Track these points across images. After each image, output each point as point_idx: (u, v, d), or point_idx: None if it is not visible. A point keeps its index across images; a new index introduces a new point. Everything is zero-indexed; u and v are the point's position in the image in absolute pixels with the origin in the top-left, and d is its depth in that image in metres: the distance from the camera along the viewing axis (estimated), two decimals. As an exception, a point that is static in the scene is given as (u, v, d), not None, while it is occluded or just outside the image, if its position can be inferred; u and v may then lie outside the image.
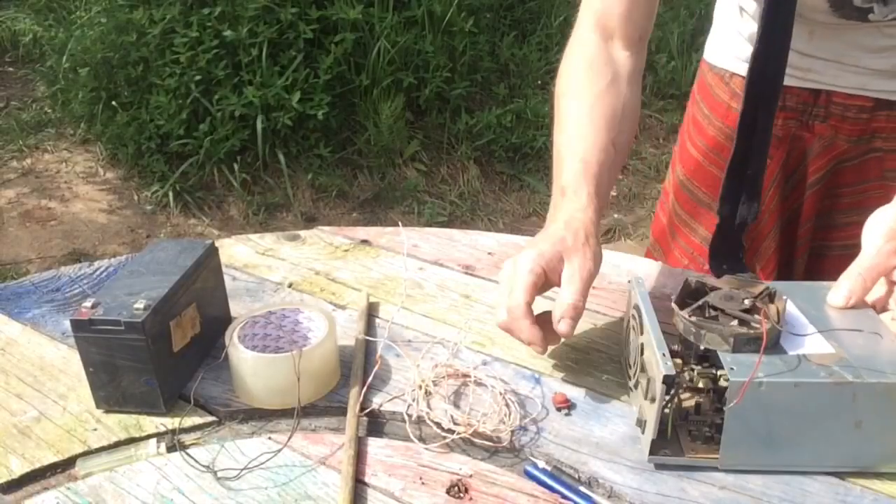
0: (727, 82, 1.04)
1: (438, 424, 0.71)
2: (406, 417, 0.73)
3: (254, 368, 0.74)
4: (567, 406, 0.74)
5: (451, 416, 0.72)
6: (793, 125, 0.98)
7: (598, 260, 0.76)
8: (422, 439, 0.71)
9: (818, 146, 0.97)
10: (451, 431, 0.70)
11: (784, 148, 0.99)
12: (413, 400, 0.75)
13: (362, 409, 0.74)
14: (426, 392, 0.76)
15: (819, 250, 1.02)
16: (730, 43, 1.04)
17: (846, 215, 0.98)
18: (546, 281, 0.75)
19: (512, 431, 0.71)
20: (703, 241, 1.09)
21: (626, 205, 3.18)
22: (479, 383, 0.77)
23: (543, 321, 0.74)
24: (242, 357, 0.74)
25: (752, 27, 0.97)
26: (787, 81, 0.95)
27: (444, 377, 0.78)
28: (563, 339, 0.78)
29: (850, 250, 0.98)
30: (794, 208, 1.02)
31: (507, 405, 0.74)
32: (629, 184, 3.28)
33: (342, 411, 0.75)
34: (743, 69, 1.01)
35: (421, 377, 0.77)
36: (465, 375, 0.78)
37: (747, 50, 0.99)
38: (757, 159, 0.88)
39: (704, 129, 1.08)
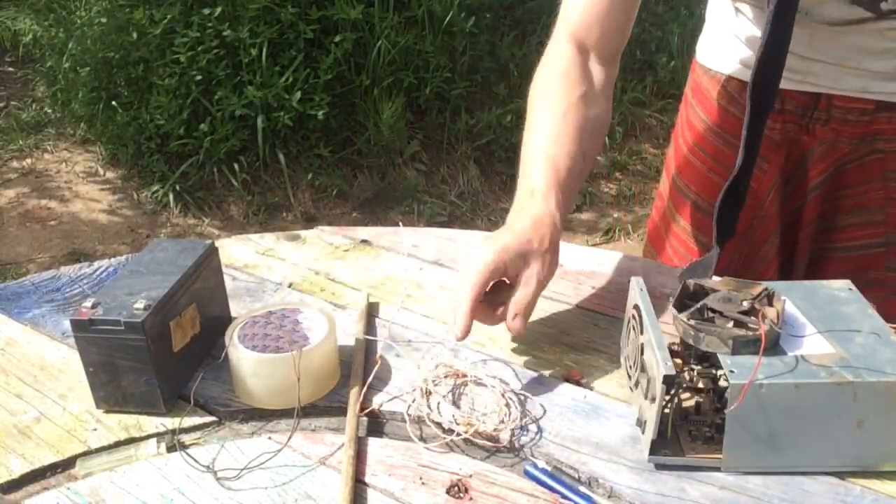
0: (724, 85, 1.03)
1: (439, 425, 0.71)
2: (406, 417, 0.73)
3: (254, 368, 0.74)
4: (580, 380, 0.77)
5: (452, 416, 0.72)
6: (791, 129, 0.97)
7: (554, 268, 0.79)
8: (422, 439, 0.71)
9: (819, 150, 0.96)
10: (451, 431, 0.70)
11: (782, 152, 0.99)
12: (413, 400, 0.75)
13: (362, 409, 0.74)
14: (426, 392, 0.76)
15: (821, 253, 1.01)
16: (725, 45, 1.02)
17: (848, 217, 0.98)
18: (503, 275, 0.77)
19: (512, 431, 0.71)
20: (699, 246, 1.08)
21: (625, 205, 3.18)
22: (478, 383, 0.77)
23: (495, 305, 0.78)
24: (242, 357, 0.74)
25: (750, 29, 0.96)
26: (786, 85, 0.95)
27: (443, 377, 0.78)
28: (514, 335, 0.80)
29: (853, 252, 0.98)
30: (794, 212, 1.01)
31: (507, 405, 0.74)
32: (629, 184, 3.28)
33: (342, 411, 0.75)
34: (740, 72, 1.00)
35: (422, 377, 0.77)
36: (465, 375, 0.78)
37: (743, 52, 0.99)
38: (750, 167, 0.86)
39: (701, 133, 1.07)
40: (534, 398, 0.75)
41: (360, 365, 0.79)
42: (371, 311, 0.89)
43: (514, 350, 0.82)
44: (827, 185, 0.98)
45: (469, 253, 0.80)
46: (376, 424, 0.74)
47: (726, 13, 1.01)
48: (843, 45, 0.89)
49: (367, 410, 0.74)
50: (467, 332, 0.74)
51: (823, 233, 1.00)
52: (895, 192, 0.95)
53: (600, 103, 0.90)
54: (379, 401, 0.75)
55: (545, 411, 0.74)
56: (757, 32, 0.96)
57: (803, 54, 0.92)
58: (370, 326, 0.87)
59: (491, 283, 0.77)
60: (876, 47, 0.88)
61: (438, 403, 0.75)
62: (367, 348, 0.82)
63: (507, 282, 0.78)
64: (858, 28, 0.87)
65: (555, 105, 0.87)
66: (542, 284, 0.77)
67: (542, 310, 0.89)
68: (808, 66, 0.93)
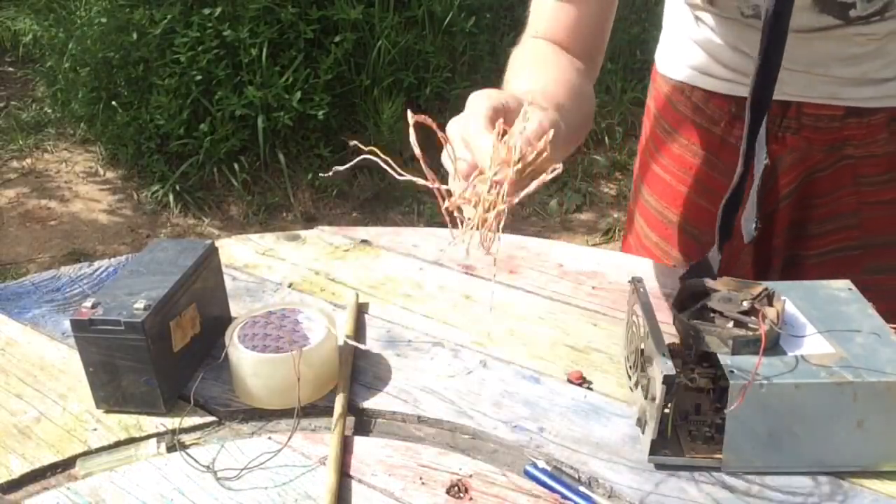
0: (688, 96, 1.00)
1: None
2: (405, 417, 0.73)
3: (254, 368, 0.74)
4: (581, 382, 0.76)
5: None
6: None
7: (558, 129, 0.61)
8: (422, 439, 0.71)
9: (790, 158, 0.95)
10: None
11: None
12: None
13: (349, 409, 0.74)
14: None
15: (795, 259, 1.00)
16: (686, 54, 0.99)
17: (821, 225, 0.97)
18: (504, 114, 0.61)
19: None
20: (676, 264, 1.06)
21: (625, 205, 3.17)
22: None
23: None
24: (242, 357, 0.74)
25: (712, 38, 0.94)
26: None
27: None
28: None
29: (828, 256, 0.97)
30: (766, 219, 1.00)
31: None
32: (629, 184, 3.28)
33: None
34: (703, 82, 0.97)
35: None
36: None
37: (705, 61, 0.96)
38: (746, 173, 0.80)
39: (669, 147, 1.04)
40: (533, 398, 0.75)
41: (347, 365, 0.79)
42: (361, 311, 0.89)
43: (514, 350, 0.82)
44: (797, 193, 0.96)
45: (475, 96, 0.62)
46: (376, 424, 0.74)
47: (685, 21, 0.98)
48: (812, 52, 0.88)
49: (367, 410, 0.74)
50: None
51: (797, 240, 0.99)
52: (868, 196, 0.94)
53: (587, 84, 0.82)
54: (379, 400, 0.75)
55: (545, 411, 0.74)
56: (718, 41, 0.93)
57: None
58: (359, 325, 0.87)
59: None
60: (844, 53, 0.87)
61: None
62: (357, 350, 0.82)
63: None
64: (827, 35, 0.86)
65: (537, 64, 0.79)
66: (543, 129, 0.60)
67: (543, 309, 0.89)
68: (779, 75, 0.91)
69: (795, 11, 0.85)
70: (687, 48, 1.00)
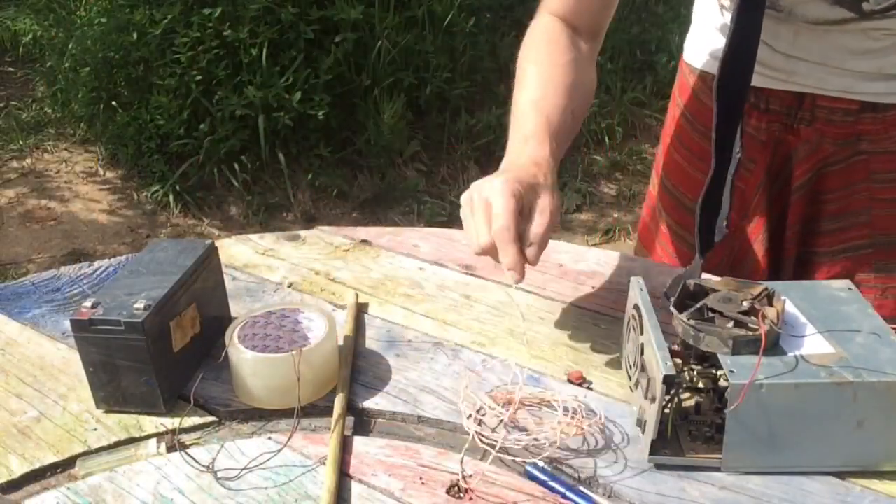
0: (709, 84, 1.01)
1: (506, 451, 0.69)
2: (405, 417, 0.73)
3: (254, 368, 0.74)
4: (581, 382, 0.76)
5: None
6: (776, 129, 0.97)
7: (560, 205, 0.77)
8: (422, 439, 0.71)
9: (803, 150, 0.96)
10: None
11: (769, 152, 0.98)
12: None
13: (349, 409, 0.74)
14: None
15: (806, 256, 1.00)
16: (709, 42, 1.02)
17: (832, 221, 0.97)
18: (521, 206, 0.74)
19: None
20: (686, 245, 1.08)
21: (625, 205, 3.17)
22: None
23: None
24: (242, 357, 0.74)
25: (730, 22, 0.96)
26: (772, 84, 0.94)
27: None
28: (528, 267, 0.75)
29: (839, 255, 0.97)
30: (780, 213, 1.01)
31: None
32: (629, 184, 3.28)
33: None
34: None
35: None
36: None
37: (722, 46, 0.98)
38: (723, 172, 0.83)
39: (688, 133, 1.07)
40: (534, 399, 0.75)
41: (346, 365, 0.79)
42: (361, 311, 0.89)
43: (514, 350, 0.82)
44: (810, 185, 0.97)
45: (481, 187, 0.74)
46: (376, 424, 0.74)
47: (712, 10, 1.00)
48: (828, 45, 0.89)
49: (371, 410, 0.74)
50: (523, 268, 0.71)
51: (809, 236, 1.00)
52: (879, 193, 0.94)
53: (587, 70, 0.91)
54: (379, 400, 0.75)
55: (545, 411, 0.74)
56: None
57: (788, 53, 0.92)
58: (359, 325, 0.87)
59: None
60: (859, 47, 0.88)
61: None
62: (357, 349, 0.82)
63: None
64: (842, 28, 0.87)
65: (544, 64, 0.88)
66: (554, 215, 0.74)
67: (543, 310, 0.89)
68: (793, 66, 0.92)
69: (807, 2, 0.85)
70: (711, 36, 1.01)
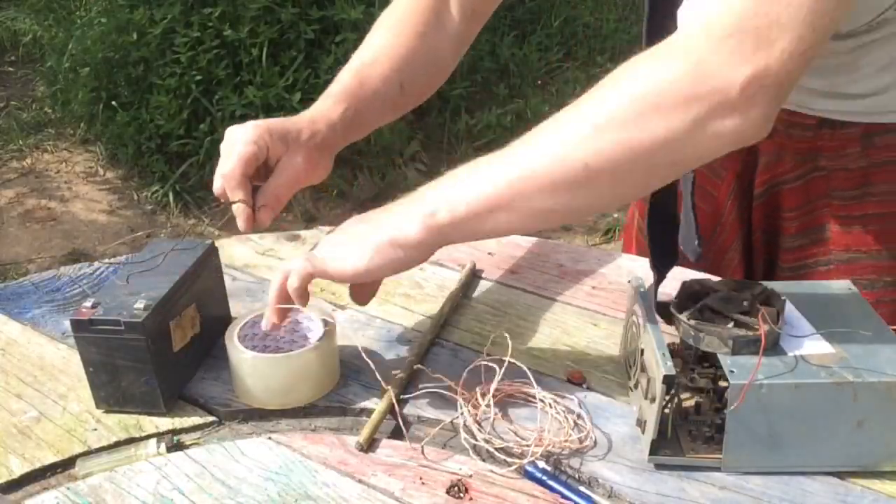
0: None
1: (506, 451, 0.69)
2: (405, 417, 0.73)
3: (254, 368, 0.74)
4: (581, 382, 0.76)
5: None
6: None
7: (321, 173, 0.77)
8: (422, 439, 0.71)
9: (763, 161, 0.95)
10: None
11: (738, 159, 0.98)
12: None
13: (348, 411, 0.74)
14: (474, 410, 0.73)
15: (770, 266, 1.00)
16: None
17: (794, 239, 0.96)
18: (266, 157, 0.74)
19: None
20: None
21: (625, 205, 3.18)
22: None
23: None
24: (242, 357, 0.74)
25: None
26: None
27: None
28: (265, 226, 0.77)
29: (800, 272, 0.97)
30: (748, 219, 1.00)
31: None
32: (629, 184, 3.28)
33: (342, 411, 0.75)
34: None
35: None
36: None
37: None
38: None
39: None
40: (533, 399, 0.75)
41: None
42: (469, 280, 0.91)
43: (513, 350, 0.82)
44: (767, 197, 0.96)
45: (234, 130, 0.75)
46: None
47: None
48: None
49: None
50: (250, 217, 0.72)
51: (773, 247, 0.99)
52: (838, 210, 0.93)
53: (442, 47, 0.89)
54: (377, 401, 0.75)
55: (544, 411, 0.74)
56: None
57: None
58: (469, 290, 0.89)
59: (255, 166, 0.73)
60: (810, 63, 0.87)
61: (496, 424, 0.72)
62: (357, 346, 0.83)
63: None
64: None
65: (391, 30, 0.87)
66: (298, 179, 0.74)
67: (542, 310, 0.89)
68: None
69: None
70: None
